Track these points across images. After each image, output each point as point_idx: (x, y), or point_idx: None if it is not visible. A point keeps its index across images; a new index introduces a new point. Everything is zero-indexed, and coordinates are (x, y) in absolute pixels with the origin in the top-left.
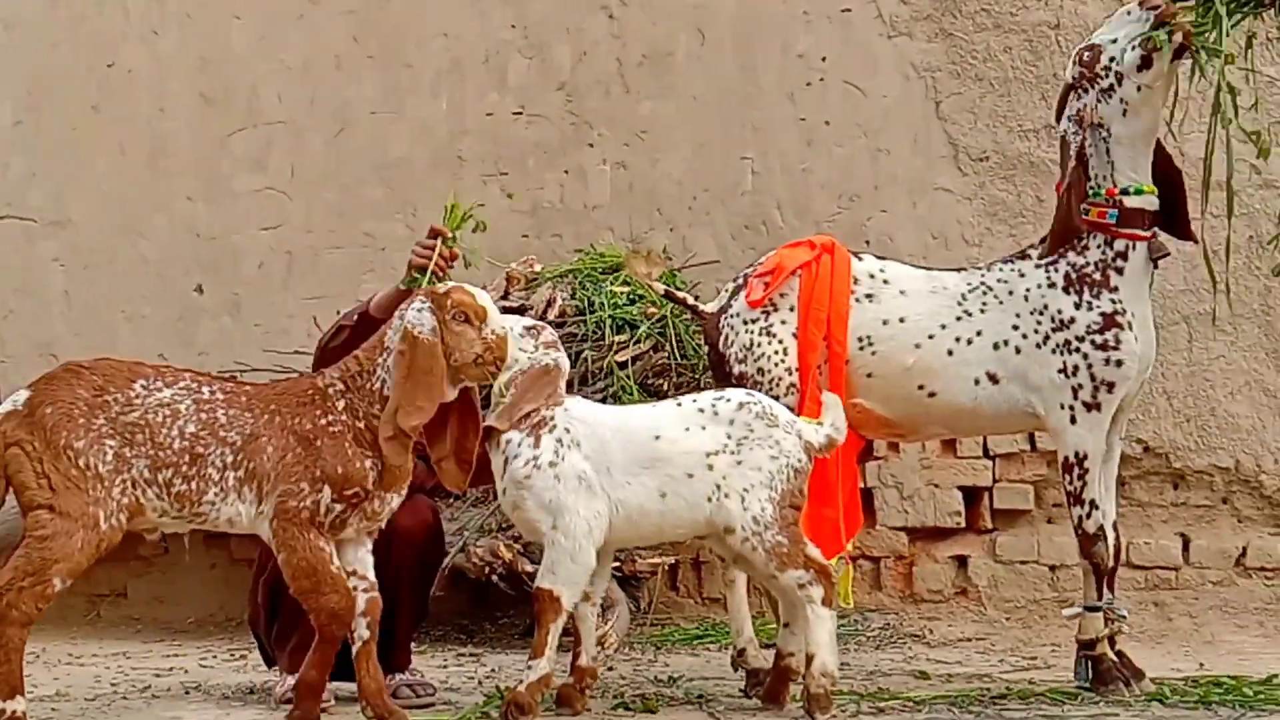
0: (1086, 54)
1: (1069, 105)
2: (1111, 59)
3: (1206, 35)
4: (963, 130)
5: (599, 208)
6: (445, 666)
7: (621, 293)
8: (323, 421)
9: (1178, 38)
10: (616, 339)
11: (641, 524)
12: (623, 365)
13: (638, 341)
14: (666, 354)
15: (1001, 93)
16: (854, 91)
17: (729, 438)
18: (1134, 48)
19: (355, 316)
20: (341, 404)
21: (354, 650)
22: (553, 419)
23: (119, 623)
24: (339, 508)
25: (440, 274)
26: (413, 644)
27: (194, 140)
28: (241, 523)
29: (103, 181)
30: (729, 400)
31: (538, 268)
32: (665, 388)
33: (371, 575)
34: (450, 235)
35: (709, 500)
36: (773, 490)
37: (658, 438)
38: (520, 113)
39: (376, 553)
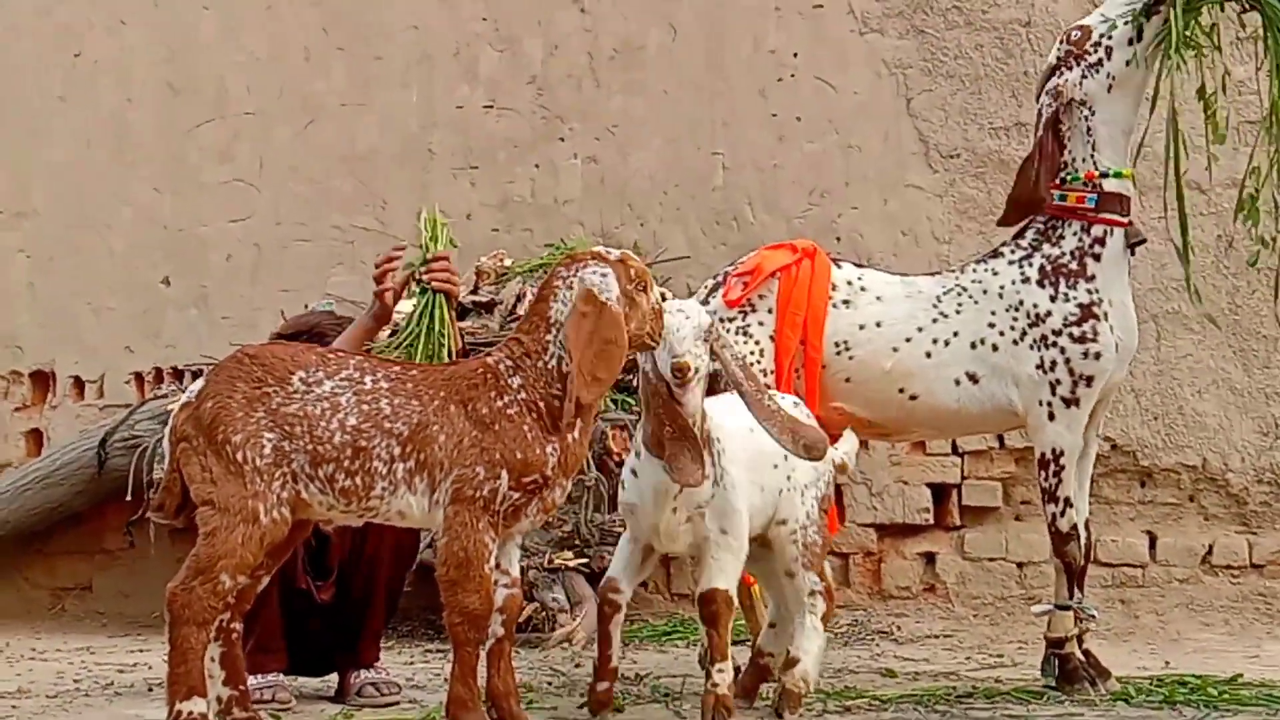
0: (1076, 33)
1: (1049, 82)
2: (1102, 35)
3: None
4: (933, 127)
5: (569, 202)
6: (411, 663)
7: None
8: (499, 404)
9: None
10: None
11: (753, 519)
12: None
13: None
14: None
15: (972, 90)
16: (825, 87)
17: None
18: (1126, 21)
19: (278, 335)
20: (516, 382)
21: (486, 647)
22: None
23: (84, 617)
24: (516, 496)
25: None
26: (381, 640)
27: (161, 131)
28: (413, 514)
29: (68, 172)
30: (784, 399)
31: (508, 262)
32: (634, 383)
33: (515, 571)
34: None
35: (780, 493)
36: (818, 489)
37: (751, 430)
38: (491, 106)
39: (352, 547)
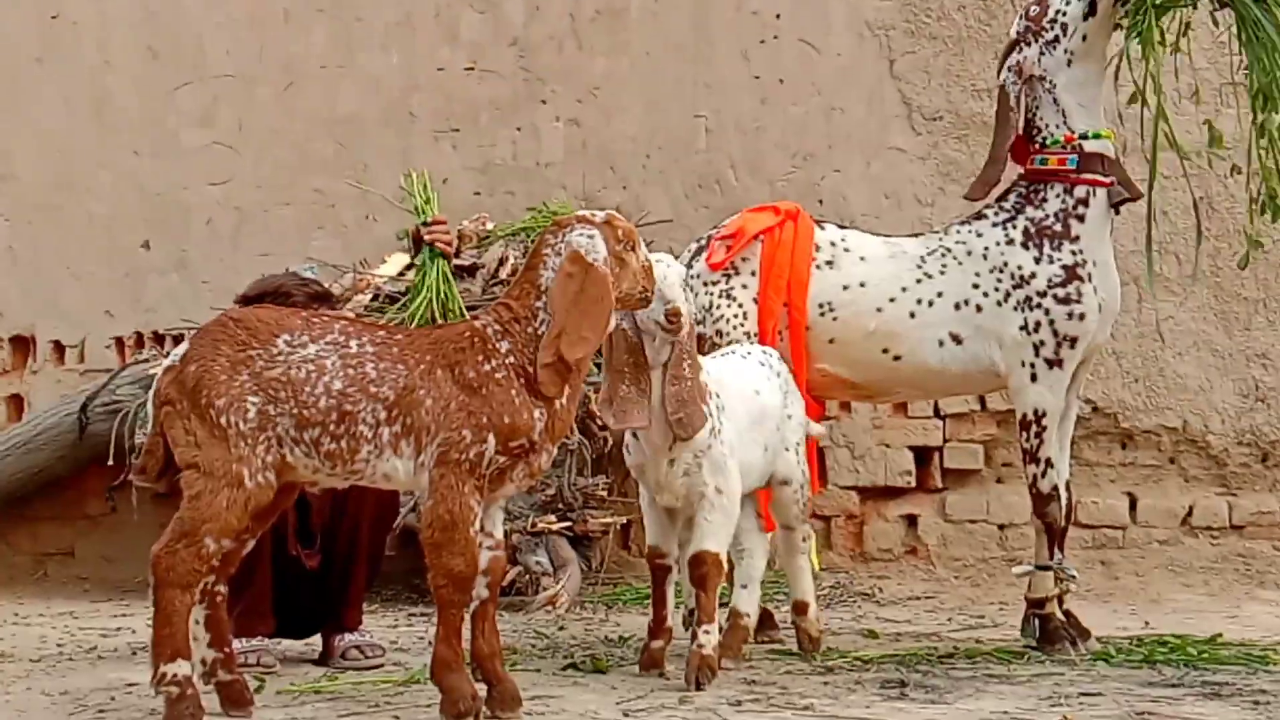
0: (1034, 8)
1: (1010, 58)
2: (1057, 10)
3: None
4: (916, 90)
5: (552, 165)
6: (395, 626)
7: None
8: (487, 367)
9: None
10: None
11: (747, 479)
12: None
13: None
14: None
15: (955, 52)
16: (808, 49)
17: (783, 392)
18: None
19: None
20: (505, 347)
21: (470, 610)
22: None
23: (67, 582)
24: (502, 460)
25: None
26: (364, 603)
27: (140, 94)
28: (399, 478)
29: (47, 136)
30: (769, 354)
31: (490, 225)
32: None
33: (499, 534)
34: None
35: (778, 454)
36: (801, 443)
37: (758, 393)
38: (472, 68)
39: (333, 512)
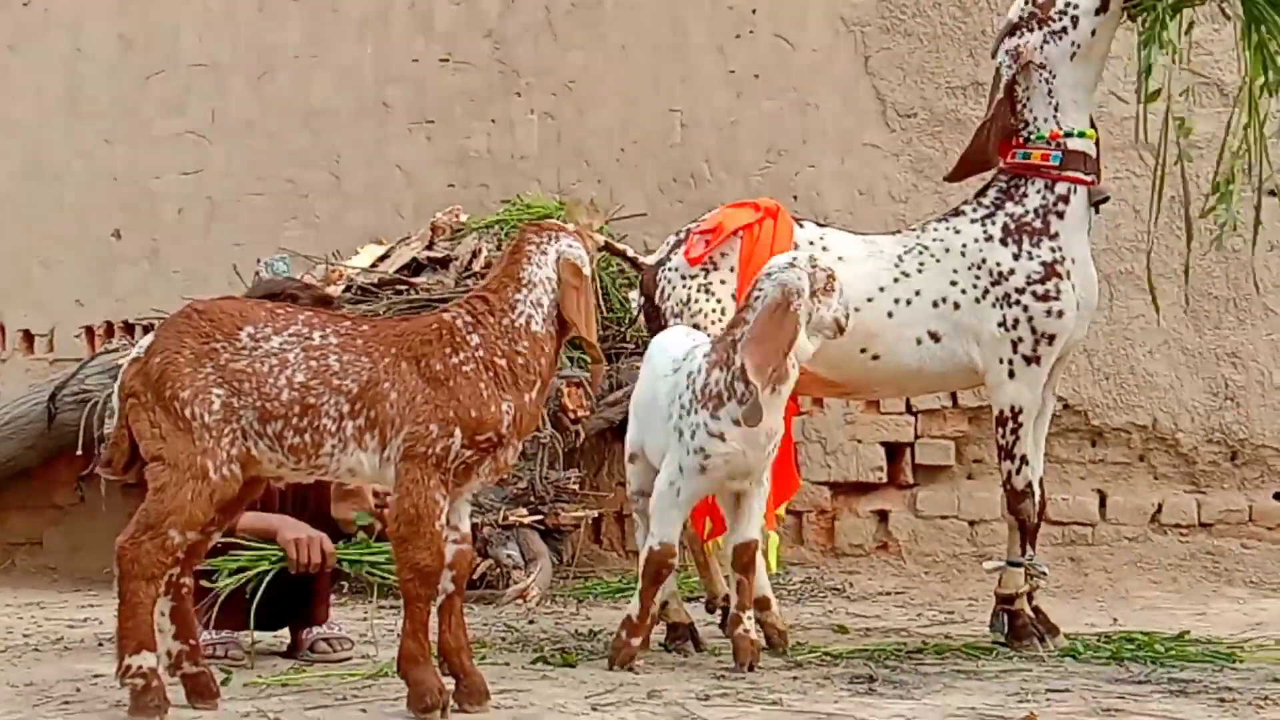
0: None
1: (1007, 40)
2: (1069, 3)
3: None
4: (891, 86)
5: (526, 158)
6: (364, 619)
7: None
8: (455, 360)
9: None
10: None
11: None
12: None
13: None
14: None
15: (930, 49)
16: (783, 45)
17: None
18: None
19: None
20: (475, 340)
21: (437, 603)
22: None
23: (34, 572)
24: (469, 454)
25: None
26: (333, 596)
27: (113, 82)
28: (364, 472)
29: (18, 124)
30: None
31: (463, 218)
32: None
33: (466, 527)
34: None
35: None
36: None
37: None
38: (447, 60)
39: (304, 504)
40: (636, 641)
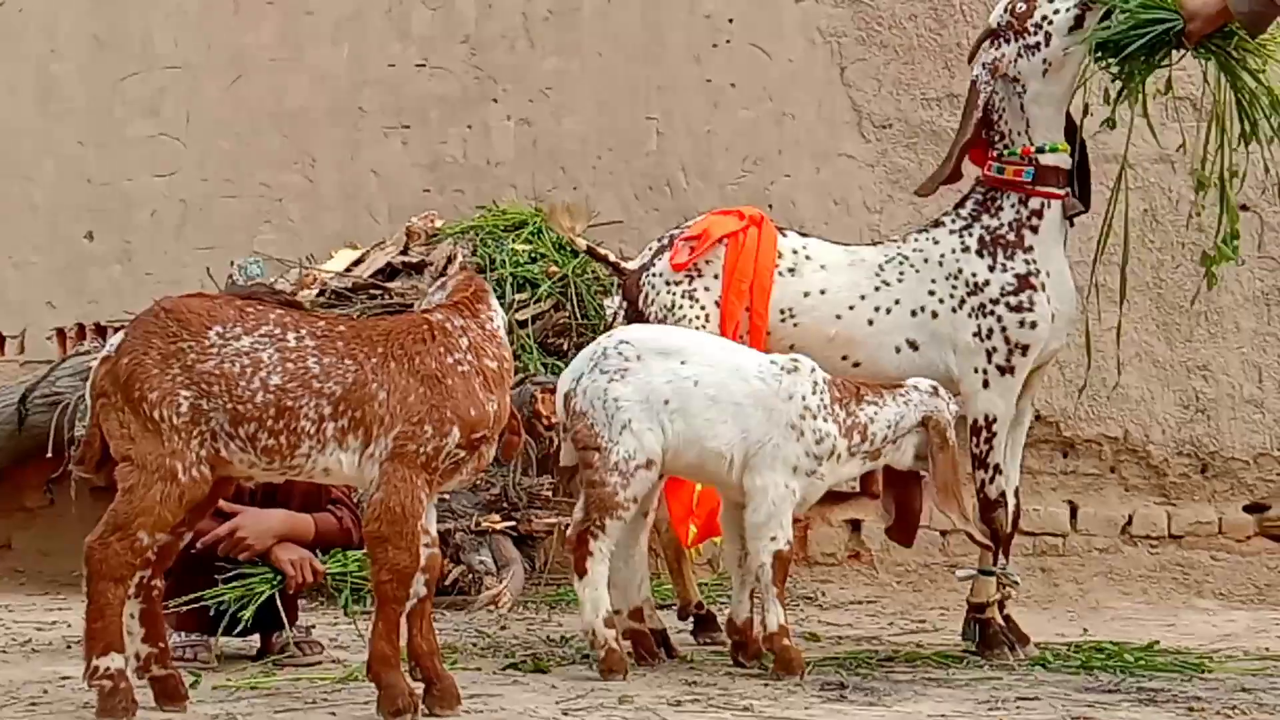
0: (1020, 5)
1: (984, 52)
2: (1044, 17)
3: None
4: (866, 97)
5: (502, 164)
6: (335, 624)
7: (523, 251)
8: (450, 360)
9: None
10: (517, 297)
11: None
12: (523, 324)
13: (538, 300)
14: (567, 313)
15: (905, 60)
16: (760, 54)
17: None
18: (1069, 9)
19: None
20: (465, 342)
21: (407, 607)
22: None
23: (2, 575)
24: (461, 453)
25: None
26: (304, 601)
27: (86, 83)
28: (340, 471)
29: None
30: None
31: (438, 223)
32: (566, 347)
33: (435, 531)
34: None
35: None
36: None
37: None
38: (423, 65)
39: (271, 503)
40: (789, 641)
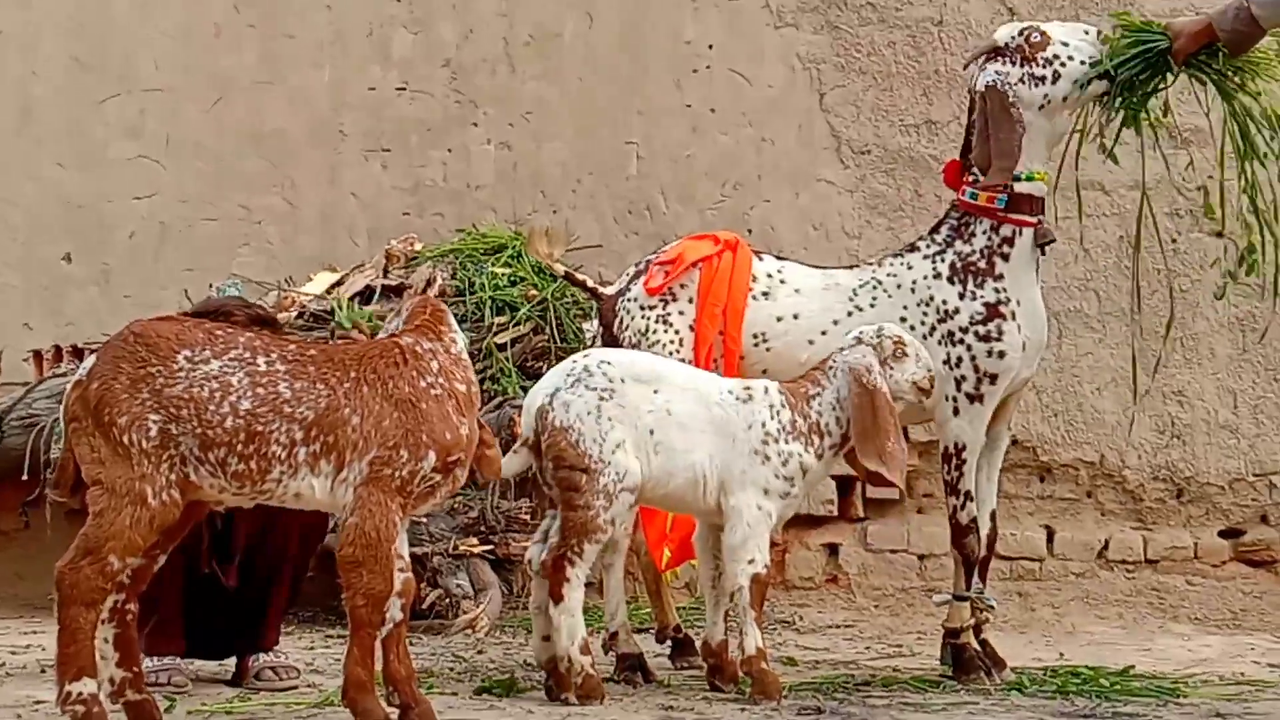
0: (1036, 36)
1: (990, 63)
2: (1056, 56)
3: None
4: (845, 123)
5: (482, 187)
6: (312, 648)
7: (502, 274)
8: (423, 384)
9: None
10: (496, 320)
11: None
12: (502, 347)
13: (518, 323)
14: (546, 336)
15: (884, 87)
16: (740, 80)
17: None
18: (1084, 63)
19: None
20: (436, 365)
21: (382, 633)
22: None
23: None
24: (437, 477)
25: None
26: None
27: (66, 105)
28: (312, 497)
29: None
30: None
31: (418, 246)
32: (544, 370)
33: (407, 554)
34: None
35: None
36: None
37: None
38: (404, 88)
39: (262, 528)
40: (767, 665)
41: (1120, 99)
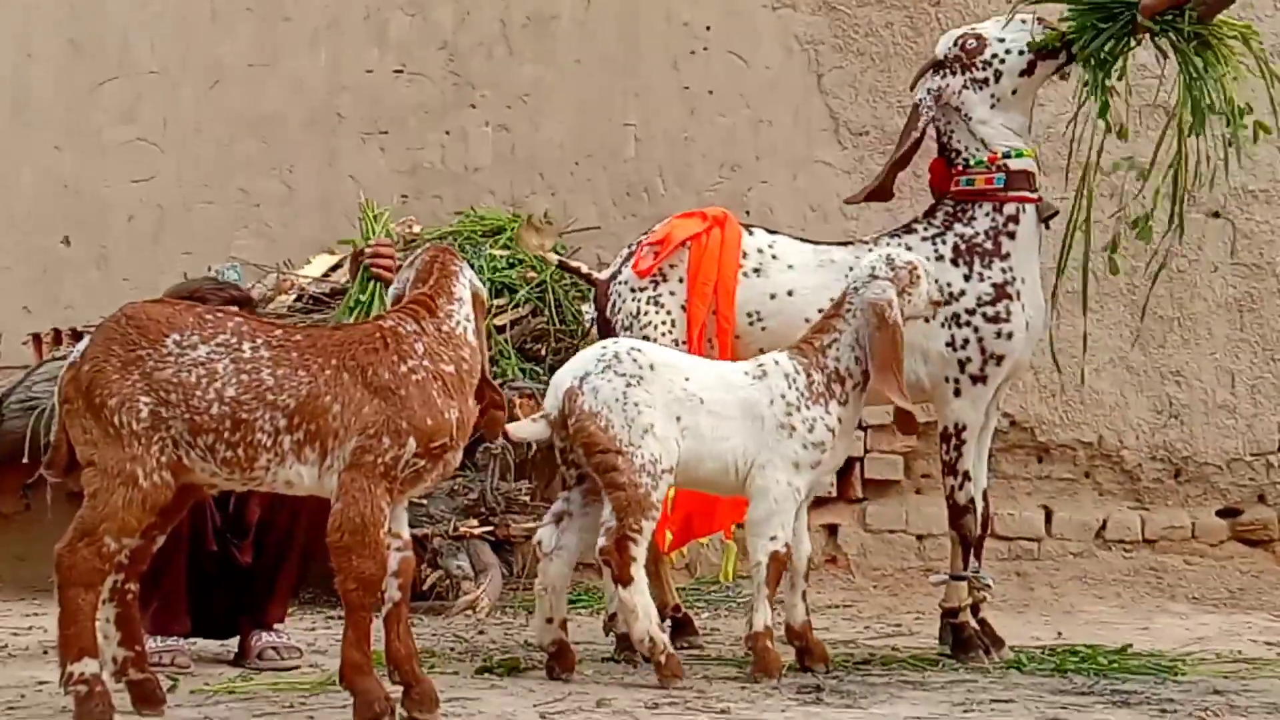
0: (971, 42)
1: (928, 78)
2: (994, 55)
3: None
4: (843, 104)
5: (480, 170)
6: (313, 629)
7: (501, 256)
8: (403, 369)
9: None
10: (496, 303)
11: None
12: (501, 329)
13: (517, 306)
14: (545, 319)
15: (882, 68)
16: (737, 62)
17: None
18: (1023, 52)
19: None
20: (420, 348)
21: (384, 611)
22: None
23: None
24: (421, 462)
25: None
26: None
27: (62, 89)
28: (303, 483)
29: None
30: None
31: (417, 229)
32: (543, 352)
33: (406, 534)
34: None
35: None
36: None
37: None
38: (401, 71)
39: (272, 504)
40: (771, 644)
41: (1087, 68)
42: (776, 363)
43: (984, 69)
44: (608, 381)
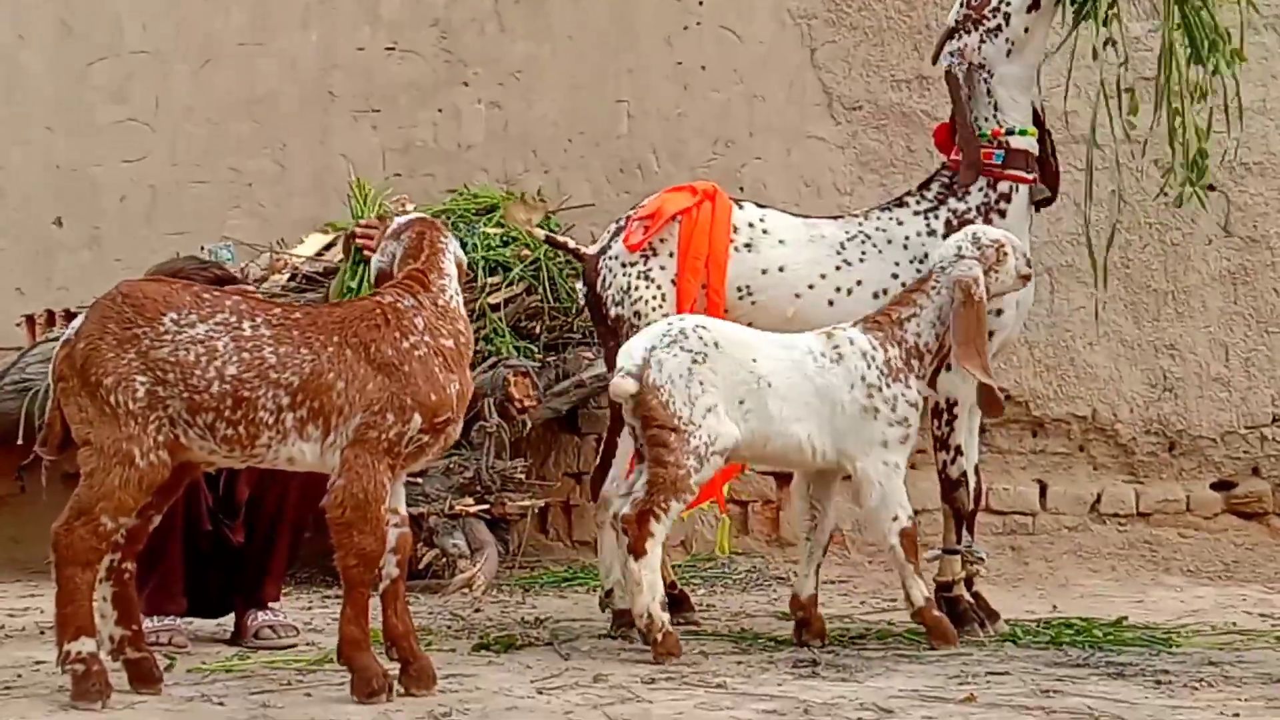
0: None
1: (949, 44)
2: (1000, 1)
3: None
4: (837, 79)
5: (473, 148)
6: (310, 608)
7: (495, 234)
8: (405, 345)
9: None
10: (489, 281)
11: None
12: (495, 307)
13: (511, 284)
14: (539, 296)
15: (876, 42)
16: (730, 37)
17: None
18: None
19: None
20: (420, 323)
21: (381, 588)
22: None
23: None
24: (425, 437)
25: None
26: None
27: (54, 69)
28: (304, 460)
29: None
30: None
31: (409, 207)
32: (538, 330)
33: (405, 511)
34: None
35: None
36: None
37: None
38: (393, 49)
39: (259, 483)
40: (939, 613)
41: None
42: (851, 341)
43: (994, 16)
44: (673, 356)
